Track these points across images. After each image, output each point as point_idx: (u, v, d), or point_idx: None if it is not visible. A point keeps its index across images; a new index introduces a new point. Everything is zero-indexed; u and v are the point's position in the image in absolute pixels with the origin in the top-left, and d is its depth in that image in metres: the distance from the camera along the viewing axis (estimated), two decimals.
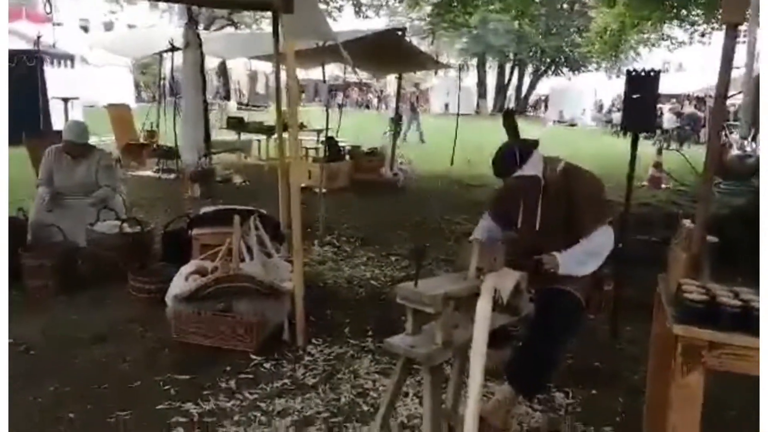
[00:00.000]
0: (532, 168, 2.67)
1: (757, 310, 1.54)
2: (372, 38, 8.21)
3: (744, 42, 8.03)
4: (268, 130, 10.97)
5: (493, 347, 2.26)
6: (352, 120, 10.37)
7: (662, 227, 6.55)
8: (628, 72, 2.73)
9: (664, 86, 2.83)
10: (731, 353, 1.56)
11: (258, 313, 3.38)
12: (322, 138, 8.82)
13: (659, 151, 10.64)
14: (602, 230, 2.68)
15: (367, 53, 8.20)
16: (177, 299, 3.38)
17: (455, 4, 11.78)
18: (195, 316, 3.35)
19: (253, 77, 27.80)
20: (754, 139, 12.82)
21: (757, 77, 7.50)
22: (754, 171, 9.00)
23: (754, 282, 1.64)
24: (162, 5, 30.76)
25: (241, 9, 14.89)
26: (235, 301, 3.37)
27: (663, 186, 10.15)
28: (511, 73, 37.55)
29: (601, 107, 30.50)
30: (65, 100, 10.05)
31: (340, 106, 10.36)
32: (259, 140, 11.49)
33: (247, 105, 19.97)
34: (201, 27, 16.93)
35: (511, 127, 2.66)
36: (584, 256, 2.66)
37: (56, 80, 11.58)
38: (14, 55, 10.58)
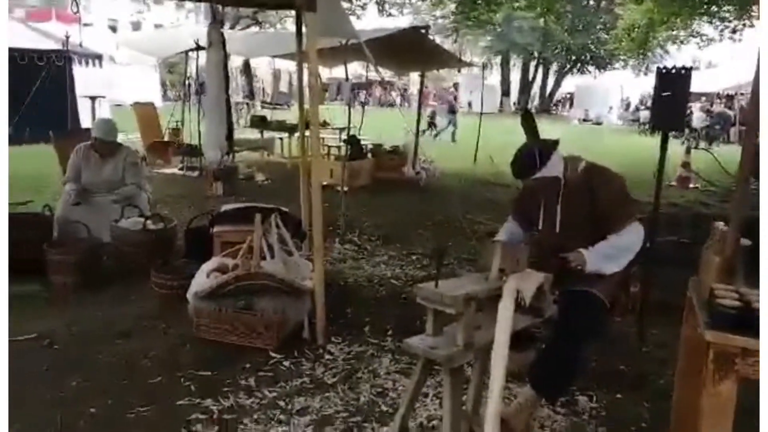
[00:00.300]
0: (551, 169, 2.62)
1: None
2: (395, 36, 8.19)
3: None
4: (291, 128, 11.01)
5: (516, 349, 2.22)
6: (374, 118, 10.33)
7: (690, 228, 6.40)
8: (659, 69, 2.64)
9: (694, 84, 2.75)
10: None
11: (278, 311, 3.37)
12: (345, 136, 8.81)
13: (688, 151, 10.40)
14: (632, 227, 2.63)
15: (390, 51, 8.19)
16: (198, 296, 3.39)
17: (479, 1, 11.65)
18: (216, 313, 3.35)
19: (276, 76, 27.95)
20: None
21: None
22: None
23: None
24: (188, 5, 31.15)
25: (265, 8, 14.96)
26: (255, 299, 3.37)
27: (691, 186, 9.93)
28: (536, 71, 37.11)
29: (628, 105, 30.03)
30: (93, 98, 10.20)
31: (363, 105, 10.34)
32: (281, 138, 11.53)
33: (270, 103, 20.09)
34: (227, 26, 17.10)
35: (530, 128, 2.61)
36: (613, 251, 2.60)
37: (84, 79, 11.76)
38: (43, 55, 10.83)
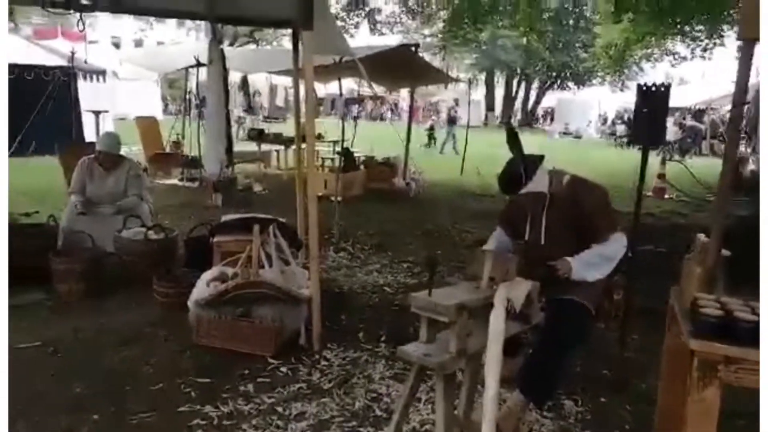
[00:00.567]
0: (537, 184, 2.63)
1: None
2: (387, 54, 8.19)
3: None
4: (287, 141, 10.98)
5: (506, 355, 2.19)
6: (366, 131, 10.32)
7: (667, 237, 6.43)
8: (639, 86, 2.65)
9: None
10: (748, 368, 1.48)
11: (276, 318, 3.33)
12: (338, 149, 8.80)
13: (663, 162, 10.47)
14: (615, 236, 2.63)
15: (382, 68, 8.19)
16: (198, 304, 3.35)
17: (467, 20, 11.72)
18: (215, 320, 3.31)
19: (272, 91, 27.93)
20: (754, 150, 12.58)
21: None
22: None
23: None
24: (189, 23, 31.12)
25: (263, 27, 14.96)
26: (254, 307, 3.33)
27: (666, 196, 9.99)
28: (518, 86, 37.40)
29: (605, 120, 30.25)
30: (97, 113, 10.13)
31: (355, 118, 10.34)
32: (277, 151, 11.50)
33: (267, 117, 20.10)
34: (226, 43, 17.07)
35: (515, 145, 2.60)
36: (597, 260, 2.62)
37: (89, 94, 11.67)
38: (50, 71, 10.74)
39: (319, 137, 10.55)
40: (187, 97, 11.42)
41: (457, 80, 15.94)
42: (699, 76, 28.48)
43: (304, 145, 4.94)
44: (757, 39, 1.50)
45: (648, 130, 2.61)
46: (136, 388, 2.89)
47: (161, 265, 4.22)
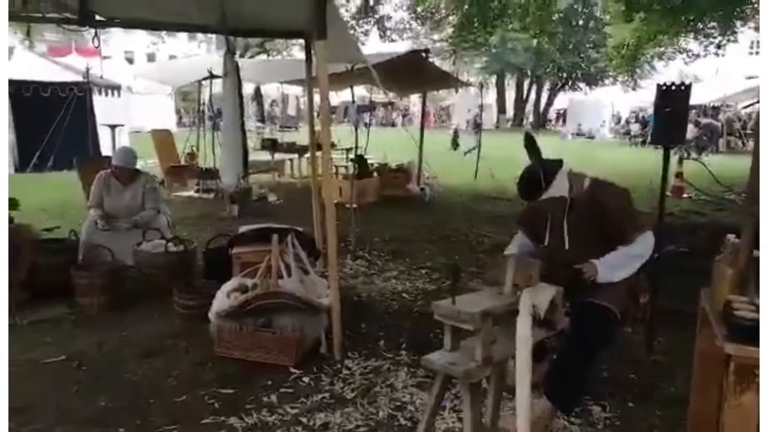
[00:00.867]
0: (557, 189, 2.58)
1: None
2: (398, 60, 8.20)
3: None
4: (300, 150, 11.02)
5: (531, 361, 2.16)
6: (378, 138, 10.34)
7: (687, 237, 6.35)
8: (659, 86, 2.60)
9: None
10: None
11: (296, 328, 3.33)
12: (351, 156, 8.81)
13: (680, 161, 10.34)
14: (643, 237, 2.59)
15: (393, 74, 8.20)
16: (219, 315, 3.35)
17: (477, 24, 11.71)
18: (237, 331, 3.31)
19: (284, 100, 28.10)
20: None
21: None
22: None
23: None
24: (200, 37, 31.45)
25: (276, 38, 15.08)
26: (275, 317, 3.33)
27: (684, 195, 9.86)
28: (529, 89, 37.27)
29: (618, 119, 30.01)
30: (112, 127, 10.25)
31: (367, 125, 10.35)
32: (291, 160, 11.55)
33: (281, 127, 20.26)
34: (237, 55, 17.19)
35: (533, 150, 2.57)
36: (623, 260, 2.58)
37: (104, 109, 11.83)
38: (65, 87, 10.91)
39: (332, 146, 10.57)
40: (201, 109, 11.51)
41: (468, 84, 15.92)
42: (712, 73, 28.13)
43: (318, 153, 4.97)
44: None
45: (669, 130, 2.56)
46: (160, 401, 2.90)
47: (181, 277, 4.24)
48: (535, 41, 20.35)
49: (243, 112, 4.23)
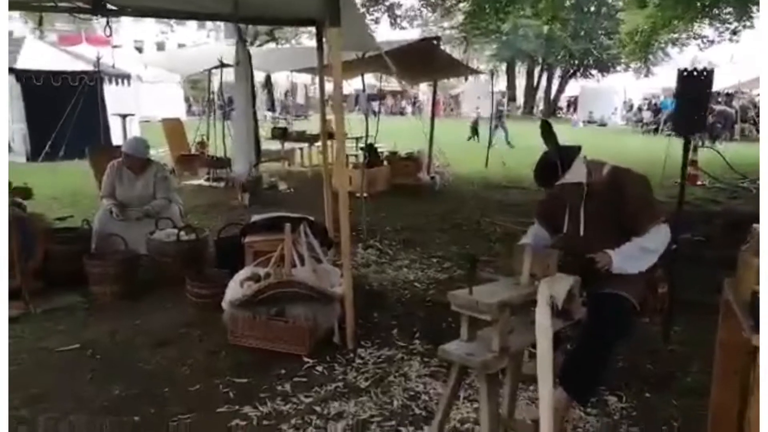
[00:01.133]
0: (574, 176, 2.54)
1: None
2: (408, 48, 8.12)
3: None
4: (310, 139, 10.98)
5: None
6: (387, 126, 10.27)
7: (703, 225, 6.26)
8: (680, 72, 2.53)
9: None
10: None
11: (309, 317, 3.32)
12: (361, 145, 8.76)
13: (695, 149, 10.19)
14: (658, 228, 2.54)
15: (404, 62, 8.10)
16: (233, 304, 3.35)
17: (488, 11, 11.56)
18: (250, 320, 3.31)
19: (293, 89, 28.05)
20: None
21: None
22: None
23: None
24: (209, 25, 31.39)
25: (287, 25, 14.98)
26: (288, 306, 3.32)
27: (699, 183, 9.73)
28: (540, 76, 36.91)
29: (631, 107, 29.68)
30: (123, 116, 10.26)
31: (376, 114, 10.28)
32: (301, 148, 11.52)
33: (294, 116, 20.24)
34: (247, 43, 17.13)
35: (550, 136, 2.52)
36: (638, 252, 2.52)
37: (115, 98, 11.84)
38: (76, 76, 10.92)
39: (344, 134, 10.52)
40: (211, 98, 11.49)
41: (478, 72, 15.79)
42: (727, 59, 27.69)
43: (329, 142, 4.95)
44: None
45: (689, 118, 2.50)
46: (174, 390, 2.90)
47: (193, 266, 4.25)
48: (546, 28, 20.10)
49: (255, 100, 4.20)
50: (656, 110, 23.93)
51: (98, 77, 10.76)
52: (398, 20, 19.46)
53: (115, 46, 10.76)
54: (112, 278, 4.10)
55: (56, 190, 7.96)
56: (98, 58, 10.77)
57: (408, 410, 2.74)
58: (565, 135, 2.50)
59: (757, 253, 1.65)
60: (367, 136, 7.55)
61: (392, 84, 25.57)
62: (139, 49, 30.60)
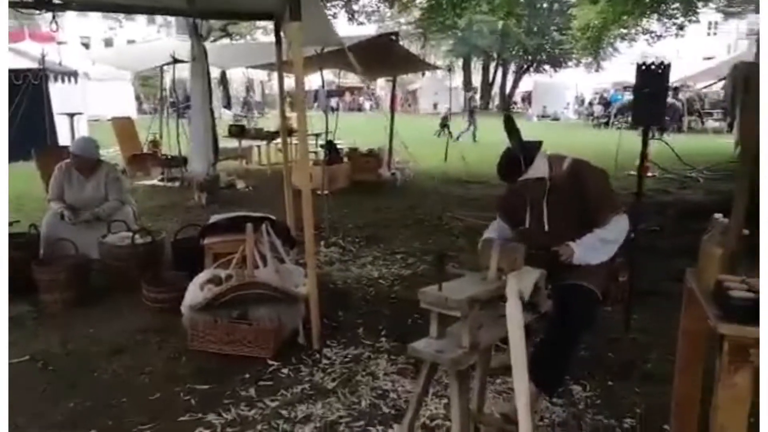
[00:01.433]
0: (536, 170, 2.56)
1: None
2: (366, 43, 8.06)
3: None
4: (268, 136, 10.80)
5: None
6: (346, 122, 10.21)
7: (656, 216, 6.45)
8: (638, 65, 2.58)
9: None
10: None
11: (274, 318, 3.24)
12: (321, 141, 8.67)
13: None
14: (618, 218, 2.59)
15: (362, 58, 8.05)
16: (193, 308, 3.24)
17: (446, 6, 11.62)
18: (212, 324, 3.20)
19: (250, 85, 27.56)
20: (731, 127, 12.69)
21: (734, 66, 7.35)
22: None
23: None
24: (159, 20, 30.50)
25: (246, 20, 14.66)
26: (251, 308, 3.23)
27: (649, 174, 10.04)
28: (495, 71, 37.42)
29: (582, 101, 30.42)
30: (71, 115, 9.84)
31: (335, 110, 10.20)
32: (258, 146, 11.32)
33: (254, 113, 19.89)
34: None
35: (513, 131, 2.53)
36: (599, 243, 2.57)
37: (61, 96, 11.34)
38: (20, 74, 10.39)
39: None
40: (164, 95, 11.16)
41: (436, 67, 15.85)
42: (673, 54, 28.72)
43: (289, 139, 4.86)
44: None
45: (648, 111, 2.54)
46: (132, 399, 2.78)
47: (149, 270, 4.10)
48: (501, 23, 20.38)
49: (212, 97, 4.07)
50: (606, 104, 24.58)
51: (43, 75, 10.28)
52: (356, 15, 19.32)
53: (60, 43, 10.31)
54: (63, 285, 3.91)
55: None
56: (43, 56, 10.30)
57: (376, 409, 2.70)
58: (522, 129, 2.51)
59: (719, 243, 1.68)
60: (327, 132, 7.47)
61: (350, 80, 25.46)
62: (86, 45, 29.51)
